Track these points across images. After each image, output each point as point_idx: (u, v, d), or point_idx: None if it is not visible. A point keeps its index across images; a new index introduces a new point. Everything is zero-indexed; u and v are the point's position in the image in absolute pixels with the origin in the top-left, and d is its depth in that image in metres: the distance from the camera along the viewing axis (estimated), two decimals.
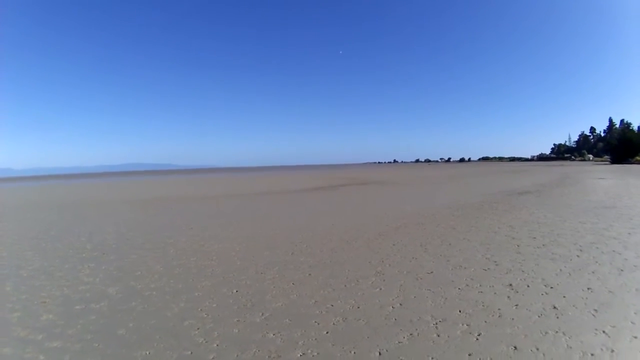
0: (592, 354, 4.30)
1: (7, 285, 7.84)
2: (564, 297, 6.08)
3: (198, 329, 5.38)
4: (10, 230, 15.29)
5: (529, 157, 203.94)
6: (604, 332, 4.83)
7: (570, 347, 4.46)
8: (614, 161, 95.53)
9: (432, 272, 7.64)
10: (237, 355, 4.57)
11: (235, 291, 6.97)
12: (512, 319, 5.30)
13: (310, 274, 7.86)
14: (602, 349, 4.40)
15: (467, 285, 6.81)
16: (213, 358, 4.56)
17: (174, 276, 8.03)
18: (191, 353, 4.69)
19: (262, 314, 5.81)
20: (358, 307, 5.95)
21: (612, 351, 4.36)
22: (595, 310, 5.53)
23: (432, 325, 5.20)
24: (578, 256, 8.45)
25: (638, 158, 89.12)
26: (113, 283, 7.70)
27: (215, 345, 4.87)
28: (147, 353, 4.73)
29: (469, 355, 4.37)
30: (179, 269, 8.62)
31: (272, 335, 5.09)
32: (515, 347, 4.50)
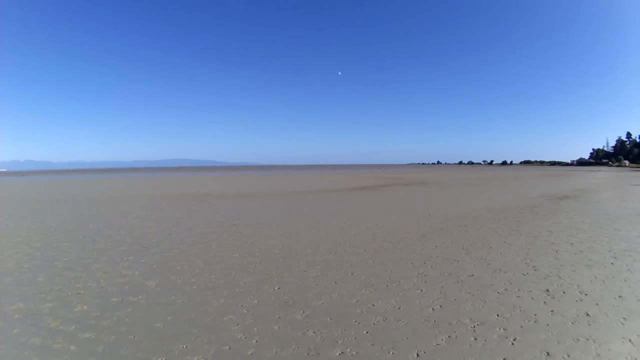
0: None
1: (39, 276, 7.94)
2: (597, 304, 6.11)
3: (238, 324, 5.49)
4: (48, 223, 15.53)
5: (569, 161, 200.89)
6: (630, 340, 4.89)
7: (599, 355, 4.53)
8: None
9: (472, 275, 7.70)
10: (275, 352, 4.68)
11: (277, 288, 7.10)
12: (547, 324, 5.36)
13: (352, 274, 7.95)
14: (626, 358, 4.47)
15: (506, 289, 6.86)
16: (251, 354, 4.65)
17: (216, 271, 8.19)
18: (229, 348, 4.80)
19: (303, 312, 5.94)
20: (399, 308, 6.05)
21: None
22: (624, 318, 5.57)
23: (470, 328, 5.29)
24: (612, 263, 8.41)
25: None
26: (152, 277, 7.86)
27: (254, 341, 4.98)
28: (184, 347, 4.84)
29: (504, 359, 4.45)
30: (220, 264, 8.77)
31: (312, 333, 5.22)
32: (548, 353, 4.57)
